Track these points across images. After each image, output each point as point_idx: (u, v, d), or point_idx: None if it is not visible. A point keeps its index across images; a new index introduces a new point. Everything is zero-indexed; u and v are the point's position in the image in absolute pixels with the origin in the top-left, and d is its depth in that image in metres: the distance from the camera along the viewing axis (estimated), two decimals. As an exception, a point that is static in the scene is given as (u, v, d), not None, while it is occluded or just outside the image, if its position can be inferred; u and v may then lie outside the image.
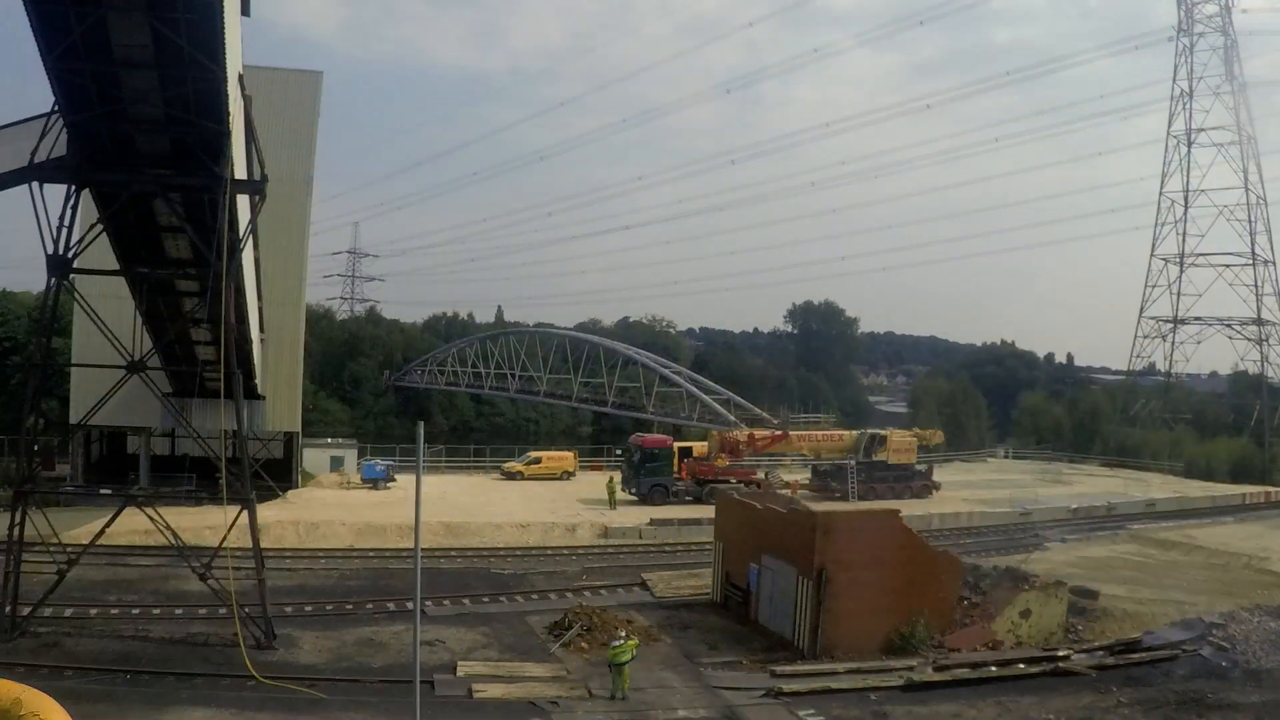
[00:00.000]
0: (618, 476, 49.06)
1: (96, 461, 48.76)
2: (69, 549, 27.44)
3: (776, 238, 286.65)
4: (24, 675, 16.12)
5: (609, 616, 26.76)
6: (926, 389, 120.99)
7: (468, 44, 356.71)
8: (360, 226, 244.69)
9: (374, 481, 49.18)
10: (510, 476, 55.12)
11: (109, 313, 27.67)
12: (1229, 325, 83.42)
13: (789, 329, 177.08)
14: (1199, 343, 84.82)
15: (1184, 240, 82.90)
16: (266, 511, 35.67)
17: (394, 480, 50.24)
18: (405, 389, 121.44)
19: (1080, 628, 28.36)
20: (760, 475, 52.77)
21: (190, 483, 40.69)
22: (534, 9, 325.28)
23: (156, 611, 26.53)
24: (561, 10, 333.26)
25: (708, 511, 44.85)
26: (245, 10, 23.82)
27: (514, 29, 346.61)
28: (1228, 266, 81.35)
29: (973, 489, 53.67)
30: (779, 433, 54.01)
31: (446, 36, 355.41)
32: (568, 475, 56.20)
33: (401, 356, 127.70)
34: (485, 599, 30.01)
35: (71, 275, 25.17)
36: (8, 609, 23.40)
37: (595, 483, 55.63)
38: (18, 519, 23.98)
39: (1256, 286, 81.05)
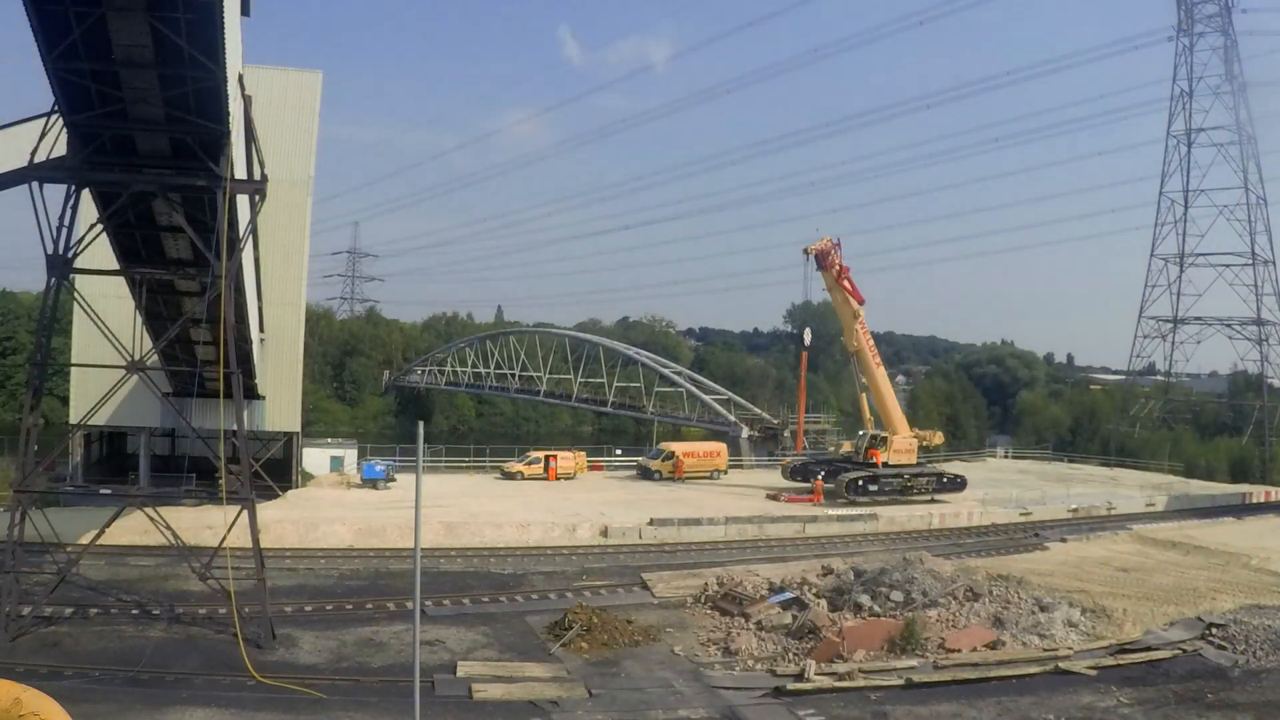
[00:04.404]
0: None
1: (96, 461, 48.73)
2: (69, 549, 27.47)
3: (776, 238, 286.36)
4: (24, 675, 16.13)
5: (609, 616, 26.77)
6: (926, 389, 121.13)
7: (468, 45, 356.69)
8: (360, 226, 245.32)
9: (374, 481, 49.17)
10: (509, 476, 55.10)
11: (109, 313, 27.67)
12: (1229, 325, 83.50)
13: (789, 329, 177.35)
14: (1199, 343, 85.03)
15: (1184, 240, 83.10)
16: (266, 511, 35.65)
17: (394, 480, 50.23)
18: (405, 389, 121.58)
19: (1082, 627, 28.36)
20: None
21: (190, 483, 40.67)
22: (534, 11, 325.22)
23: (156, 611, 26.51)
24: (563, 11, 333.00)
25: (708, 511, 45.04)
26: (245, 10, 23.86)
27: (513, 30, 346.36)
28: (1228, 266, 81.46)
29: (972, 488, 53.59)
30: None
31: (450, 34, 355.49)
32: (567, 476, 56.12)
33: (401, 356, 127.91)
34: (485, 599, 30.02)
35: (71, 275, 25.19)
36: (8, 609, 23.39)
37: (597, 483, 55.79)
38: (17, 519, 23.99)
39: (1256, 286, 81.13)
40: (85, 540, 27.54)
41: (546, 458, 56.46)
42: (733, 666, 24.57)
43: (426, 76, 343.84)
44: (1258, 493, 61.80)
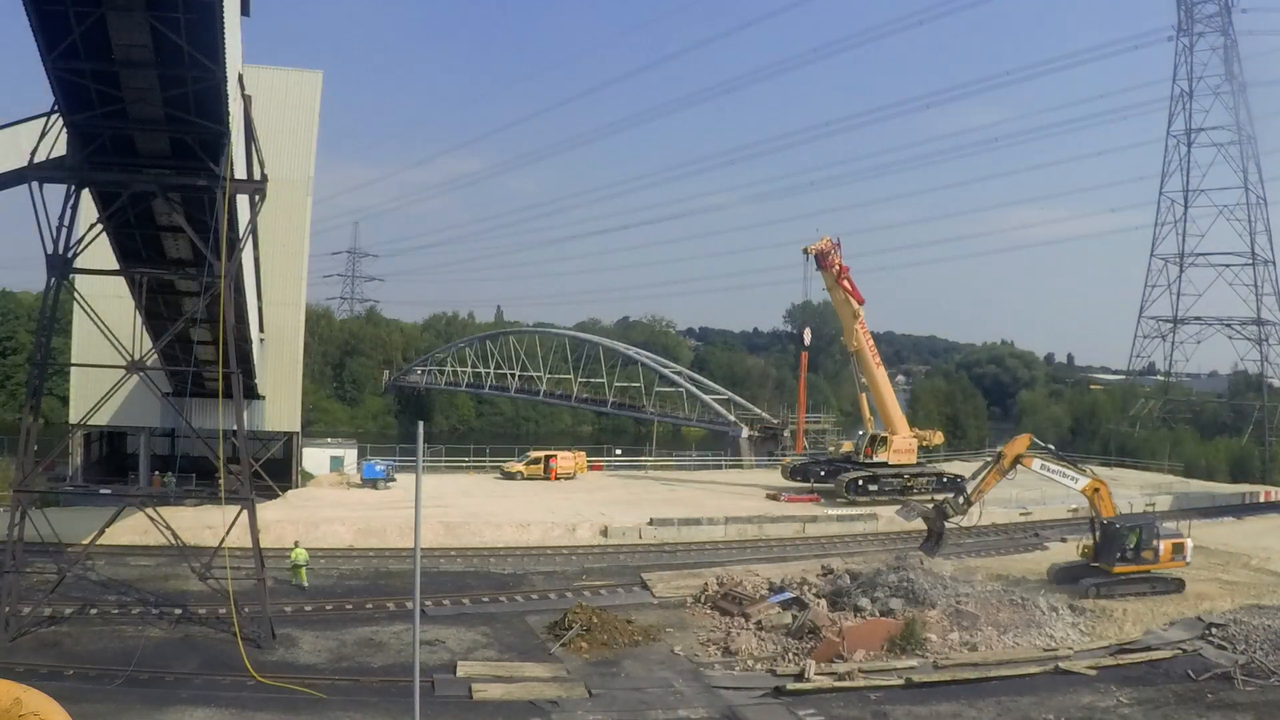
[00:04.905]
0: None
1: (96, 461, 48.74)
2: (69, 549, 27.46)
3: (776, 238, 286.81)
4: (24, 675, 16.13)
5: (609, 616, 26.77)
6: (926, 389, 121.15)
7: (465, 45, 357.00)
8: (360, 226, 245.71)
9: (374, 481, 49.17)
10: (509, 476, 55.10)
11: (109, 313, 27.67)
12: (1229, 325, 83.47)
13: (789, 329, 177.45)
14: (1199, 343, 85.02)
15: (1184, 240, 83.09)
16: (266, 511, 35.65)
17: (394, 480, 50.23)
18: (405, 389, 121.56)
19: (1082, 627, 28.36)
20: None
21: (190, 482, 40.69)
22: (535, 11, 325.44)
23: (156, 611, 26.52)
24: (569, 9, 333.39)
25: (708, 511, 45.07)
26: (245, 10, 23.85)
27: (513, 29, 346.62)
28: (1227, 266, 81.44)
29: (972, 489, 53.52)
30: None
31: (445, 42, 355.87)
32: (567, 476, 56.10)
33: (401, 356, 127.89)
34: (485, 599, 30.03)
35: (71, 275, 25.18)
36: (8, 609, 23.39)
37: (597, 483, 55.78)
38: (17, 519, 23.98)
39: (1256, 286, 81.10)
40: (85, 540, 27.53)
41: (546, 458, 56.40)
42: (733, 666, 24.56)
43: (426, 76, 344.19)
44: (1258, 493, 61.78)
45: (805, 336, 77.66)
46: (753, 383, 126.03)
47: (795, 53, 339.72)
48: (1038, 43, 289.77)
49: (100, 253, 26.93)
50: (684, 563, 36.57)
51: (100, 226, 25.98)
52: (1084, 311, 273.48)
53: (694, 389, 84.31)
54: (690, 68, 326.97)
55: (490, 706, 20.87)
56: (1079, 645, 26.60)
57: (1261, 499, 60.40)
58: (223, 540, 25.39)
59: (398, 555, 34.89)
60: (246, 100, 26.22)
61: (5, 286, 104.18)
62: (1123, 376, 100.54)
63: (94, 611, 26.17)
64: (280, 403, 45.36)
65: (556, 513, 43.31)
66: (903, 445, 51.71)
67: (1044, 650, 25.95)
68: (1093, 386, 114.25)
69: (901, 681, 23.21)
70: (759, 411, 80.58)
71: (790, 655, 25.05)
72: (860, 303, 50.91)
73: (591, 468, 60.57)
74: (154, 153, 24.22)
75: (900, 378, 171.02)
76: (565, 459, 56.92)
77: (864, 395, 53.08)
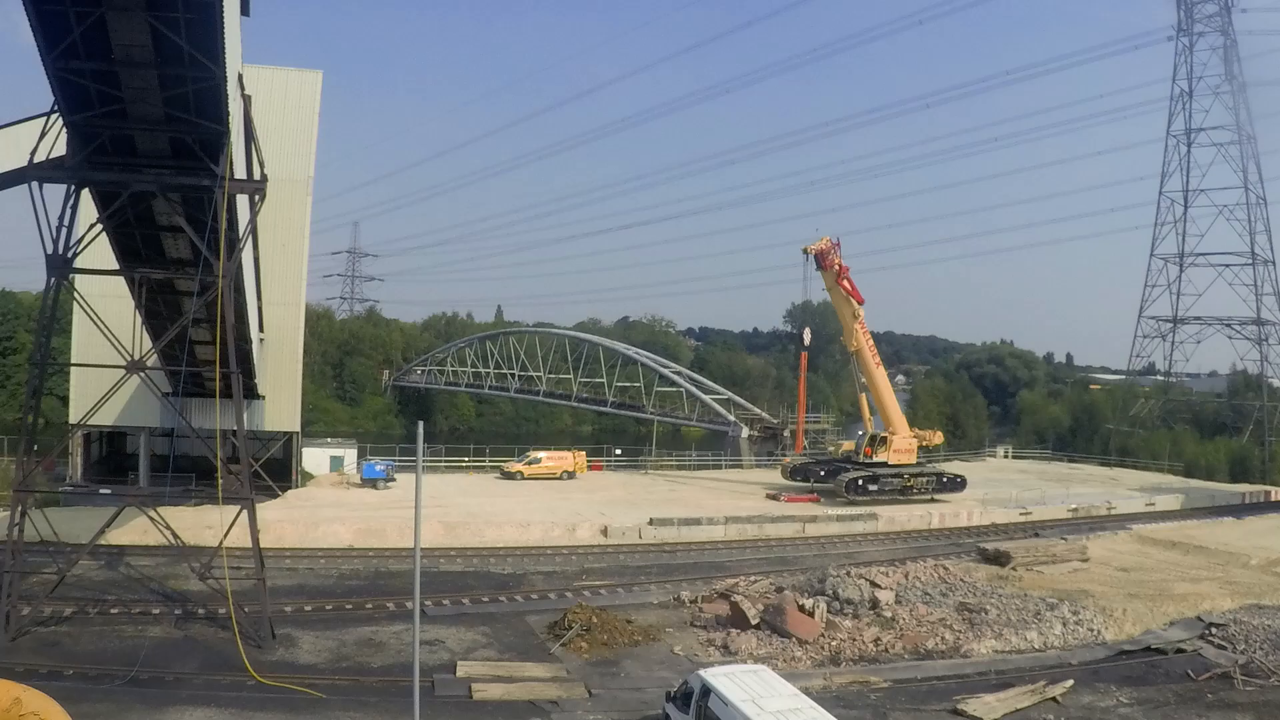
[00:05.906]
0: None
1: (96, 461, 48.71)
2: (69, 549, 27.45)
3: (776, 237, 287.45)
4: (24, 675, 16.14)
5: (609, 616, 26.76)
6: (926, 389, 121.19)
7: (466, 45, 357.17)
8: (360, 226, 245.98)
9: (374, 481, 49.16)
10: (509, 476, 55.07)
11: (109, 313, 27.64)
12: (1228, 325, 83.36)
13: (789, 329, 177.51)
14: (1198, 342, 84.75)
15: (1184, 240, 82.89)
16: (266, 511, 35.65)
17: (394, 480, 50.20)
18: (405, 389, 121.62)
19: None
20: None
21: (191, 482, 40.64)
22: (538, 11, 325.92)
23: (156, 611, 26.53)
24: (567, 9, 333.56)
25: (708, 511, 45.08)
26: (245, 10, 23.85)
27: (513, 30, 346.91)
28: (1227, 266, 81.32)
29: (972, 488, 53.58)
30: None
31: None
32: (568, 475, 56.07)
33: (401, 356, 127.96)
34: (485, 599, 30.03)
35: (71, 275, 25.18)
36: (8, 609, 23.38)
37: (597, 483, 55.74)
38: (17, 519, 23.97)
39: (1256, 286, 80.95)
40: (85, 540, 27.53)
41: (533, 459, 56.06)
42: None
43: (426, 76, 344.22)
44: (1258, 493, 61.81)
45: (805, 336, 77.60)
46: (753, 383, 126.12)
47: (795, 53, 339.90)
48: (1038, 43, 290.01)
49: (100, 253, 26.94)
50: (684, 563, 36.57)
51: (100, 226, 25.98)
52: (1084, 311, 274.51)
53: (694, 389, 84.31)
54: (690, 68, 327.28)
55: (490, 706, 20.88)
56: (1079, 645, 26.60)
57: (1261, 499, 60.40)
58: (222, 540, 25.38)
59: (398, 555, 34.88)
60: (246, 100, 26.24)
61: (5, 286, 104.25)
62: (1122, 376, 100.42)
63: (94, 611, 26.16)
64: (280, 403, 45.34)
65: (556, 513, 43.28)
66: (903, 445, 51.69)
67: (1044, 649, 25.96)
68: (1092, 386, 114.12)
69: (901, 680, 23.21)
70: (759, 411, 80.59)
71: (788, 655, 25.06)
72: (860, 303, 50.91)
73: (591, 467, 60.52)
74: (154, 153, 24.22)
75: (900, 378, 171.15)
76: (555, 459, 56.68)
77: (864, 395, 53.04)
